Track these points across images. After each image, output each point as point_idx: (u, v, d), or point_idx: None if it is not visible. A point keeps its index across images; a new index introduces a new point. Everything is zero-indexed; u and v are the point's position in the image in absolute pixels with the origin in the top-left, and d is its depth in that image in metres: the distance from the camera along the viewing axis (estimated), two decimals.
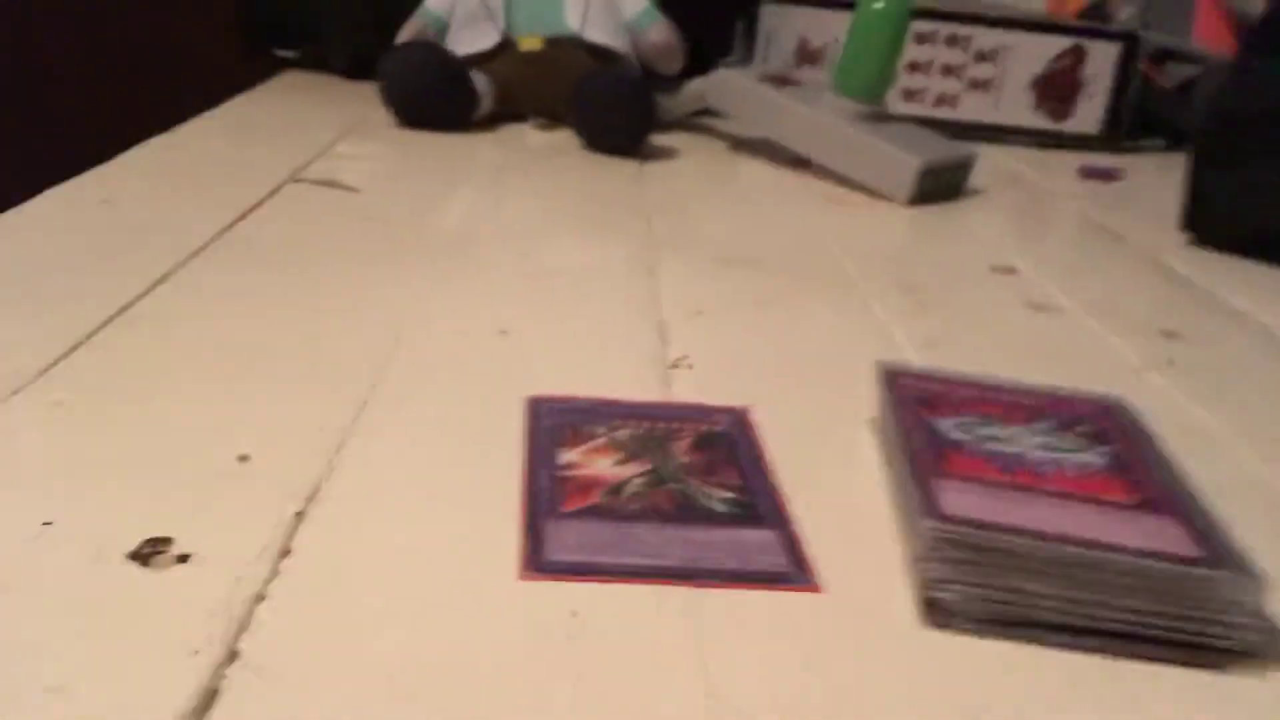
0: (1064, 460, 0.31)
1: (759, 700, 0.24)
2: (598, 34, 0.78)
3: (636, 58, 0.81)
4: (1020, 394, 0.35)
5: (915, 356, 0.44)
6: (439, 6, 0.81)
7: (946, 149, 0.72)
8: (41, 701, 0.22)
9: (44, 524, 0.27)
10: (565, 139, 0.78)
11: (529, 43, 0.78)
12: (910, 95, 0.92)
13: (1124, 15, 1.06)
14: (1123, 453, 0.32)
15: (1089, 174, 0.84)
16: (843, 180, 0.72)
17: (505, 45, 0.78)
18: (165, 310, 0.41)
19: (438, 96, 0.74)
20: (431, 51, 0.75)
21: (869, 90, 0.72)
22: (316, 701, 0.23)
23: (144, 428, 0.33)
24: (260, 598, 0.26)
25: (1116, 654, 0.26)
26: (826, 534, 0.31)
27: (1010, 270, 0.57)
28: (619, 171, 0.71)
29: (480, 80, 0.77)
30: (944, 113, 0.92)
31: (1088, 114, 0.93)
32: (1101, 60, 0.91)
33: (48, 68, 1.08)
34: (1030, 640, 0.27)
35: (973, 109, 0.92)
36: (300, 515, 0.29)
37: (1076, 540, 0.27)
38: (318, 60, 0.91)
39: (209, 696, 0.22)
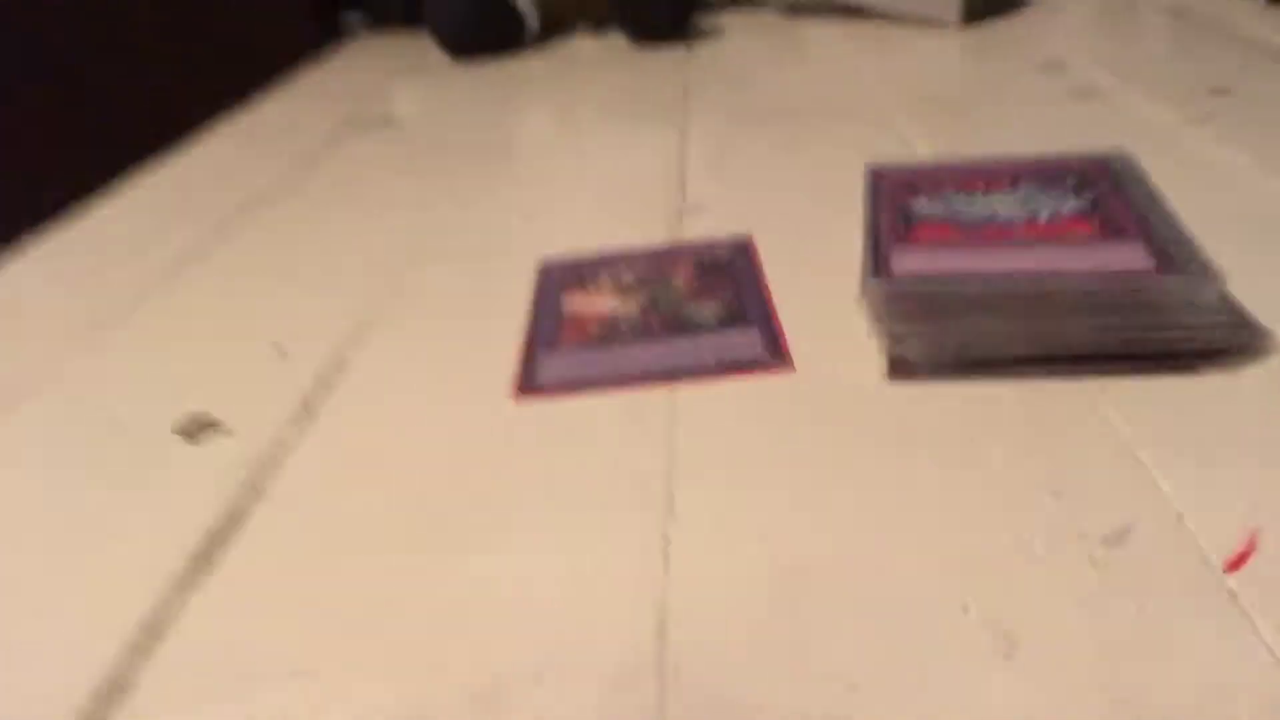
0: (1039, 211, 0.31)
1: (729, 462, 0.26)
2: None
3: None
4: (1009, 164, 0.35)
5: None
6: None
7: None
8: (109, 531, 0.26)
9: (116, 424, 0.32)
10: (614, 42, 0.79)
11: None
12: None
13: None
14: (1103, 196, 0.31)
15: None
16: (893, 20, 0.70)
17: None
18: (233, 251, 0.46)
19: (483, 27, 0.77)
20: None
21: None
22: (329, 520, 0.26)
23: (205, 341, 0.37)
24: (286, 448, 0.29)
25: (1084, 374, 0.27)
26: (809, 326, 0.32)
27: (1059, 66, 0.55)
28: (664, 60, 0.72)
29: (524, 3, 0.79)
30: None
31: None
32: None
33: (140, 59, 1.17)
34: (994, 376, 0.27)
35: None
36: (326, 386, 0.33)
37: (1023, 273, 0.27)
38: (382, 16, 0.95)
39: (235, 519, 0.26)
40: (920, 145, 0.47)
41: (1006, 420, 0.26)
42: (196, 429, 0.31)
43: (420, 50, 0.83)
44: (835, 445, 0.26)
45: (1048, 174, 0.33)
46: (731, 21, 0.81)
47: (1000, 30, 0.65)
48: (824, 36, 0.72)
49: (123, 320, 0.40)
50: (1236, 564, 0.20)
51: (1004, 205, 0.32)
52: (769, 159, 0.48)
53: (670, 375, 0.30)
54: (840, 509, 0.24)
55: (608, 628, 0.21)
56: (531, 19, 0.80)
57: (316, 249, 0.45)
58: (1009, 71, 0.56)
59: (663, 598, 0.22)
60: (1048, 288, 0.26)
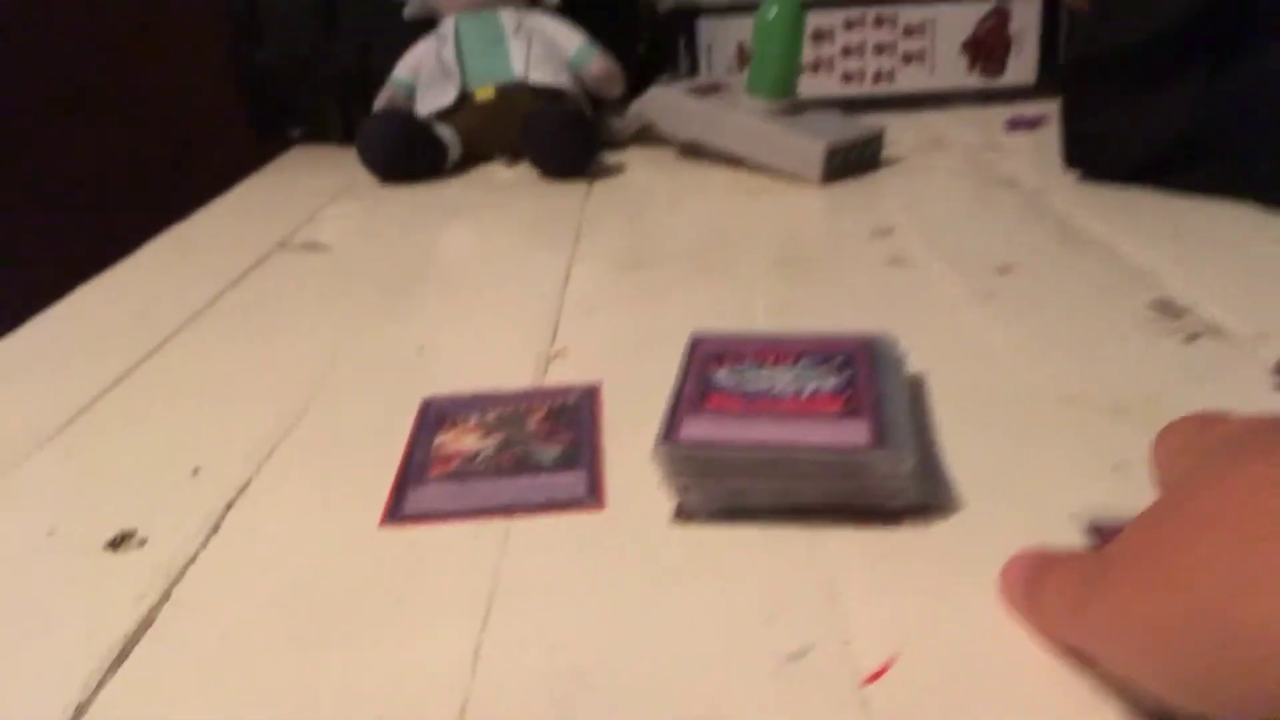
0: (804, 387, 0.39)
1: (539, 584, 0.33)
2: (542, 76, 0.88)
3: (583, 89, 0.90)
4: (796, 341, 0.43)
5: (765, 322, 0.53)
6: (405, 73, 0.92)
7: (854, 128, 0.80)
8: (35, 632, 0.33)
9: (48, 534, 0.39)
10: (527, 172, 0.88)
11: (484, 93, 0.88)
12: (849, 78, 0.99)
13: None
14: (857, 376, 0.40)
15: (1015, 124, 0.90)
16: (766, 171, 0.80)
17: (465, 98, 0.89)
18: (156, 370, 0.53)
19: (407, 153, 0.85)
20: (396, 115, 0.86)
21: (777, 88, 0.80)
22: (226, 623, 0.33)
23: (129, 459, 0.44)
24: (192, 561, 0.36)
25: (816, 524, 0.35)
26: (625, 471, 0.40)
27: (887, 232, 0.65)
28: (569, 193, 0.81)
29: (446, 132, 0.88)
30: (883, 88, 0.99)
31: (1021, 67, 0.98)
32: (1026, 15, 0.97)
33: (94, 175, 1.24)
34: (753, 523, 0.35)
35: (910, 80, 0.99)
36: (229, 505, 0.40)
37: (772, 445, 0.35)
38: (320, 133, 1.03)
39: (146, 624, 0.33)
40: (759, 303, 0.55)
41: (755, 558, 0.34)
42: (120, 539, 0.38)
43: (353, 168, 0.92)
44: (626, 572, 0.34)
45: (823, 352, 0.42)
46: (634, 157, 0.91)
47: (853, 190, 0.75)
48: (709, 180, 0.82)
49: (54, 438, 0.46)
50: (872, 679, 0.28)
51: (782, 380, 0.40)
52: (635, 307, 0.56)
53: (508, 509, 0.37)
54: (619, 625, 0.31)
55: (424, 709, 0.28)
56: (454, 148, 0.88)
57: (233, 372, 0.52)
58: (847, 233, 0.65)
59: (467, 691, 0.29)
60: (792, 456, 0.35)
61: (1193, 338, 0.46)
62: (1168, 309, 0.50)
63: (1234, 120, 0.63)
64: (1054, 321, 0.50)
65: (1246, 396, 0.41)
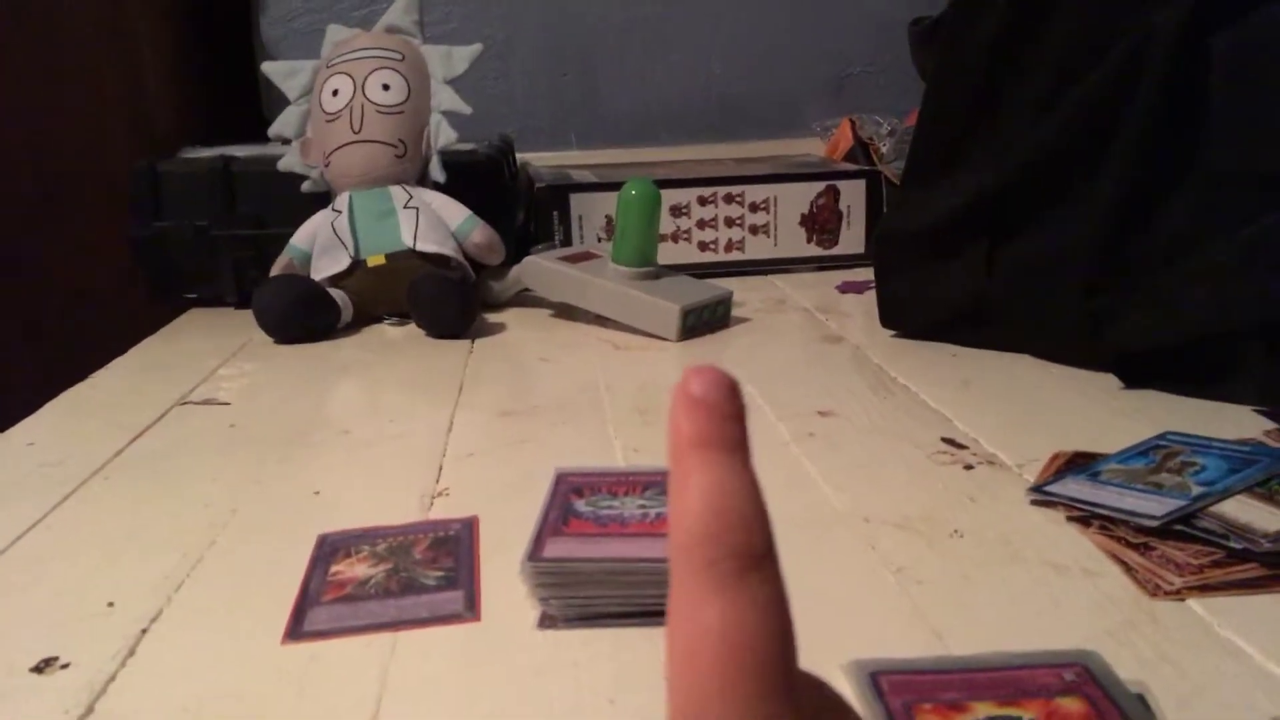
0: (650, 513, 0.47)
1: (424, 683, 0.39)
2: (428, 244, 0.97)
3: (466, 257, 1.00)
4: (645, 474, 0.52)
5: (622, 459, 0.61)
6: (301, 241, 1.00)
7: (705, 291, 0.91)
8: None
9: None
10: (414, 332, 0.96)
11: (375, 260, 0.97)
12: (704, 246, 1.11)
13: (884, 148, 1.27)
14: None
15: (846, 288, 1.03)
16: (629, 329, 0.90)
17: (357, 264, 0.97)
18: (70, 516, 0.57)
19: (301, 315, 0.92)
20: (292, 280, 0.93)
21: (638, 257, 0.90)
22: None
23: (47, 596, 0.48)
24: (112, 679, 0.41)
25: (655, 625, 0.42)
26: (499, 587, 0.46)
27: None
28: (453, 350, 0.89)
29: (339, 295, 0.95)
30: (734, 256, 1.11)
31: (852, 238, 1.12)
32: (853, 194, 1.12)
33: None
34: (607, 626, 0.42)
35: (757, 249, 1.12)
36: (144, 631, 0.45)
37: (626, 558, 0.43)
38: (215, 297, 1.10)
39: None
40: (618, 444, 0.64)
41: (604, 653, 0.41)
42: (44, 664, 0.42)
43: (247, 329, 0.98)
44: (498, 670, 0.40)
45: (663, 483, 0.50)
46: (513, 317, 1.00)
47: (704, 346, 0.85)
48: (580, 338, 0.91)
49: None
50: None
51: (631, 507, 0.48)
52: (510, 451, 0.64)
53: (395, 625, 0.44)
54: (494, 709, 0.38)
55: None
56: (346, 309, 0.96)
57: (141, 516, 0.57)
58: None
59: None
60: (634, 568, 0.42)
61: (970, 467, 0.57)
62: (953, 444, 0.60)
63: (1012, 288, 0.75)
64: (860, 455, 0.59)
65: (1006, 511, 0.51)
